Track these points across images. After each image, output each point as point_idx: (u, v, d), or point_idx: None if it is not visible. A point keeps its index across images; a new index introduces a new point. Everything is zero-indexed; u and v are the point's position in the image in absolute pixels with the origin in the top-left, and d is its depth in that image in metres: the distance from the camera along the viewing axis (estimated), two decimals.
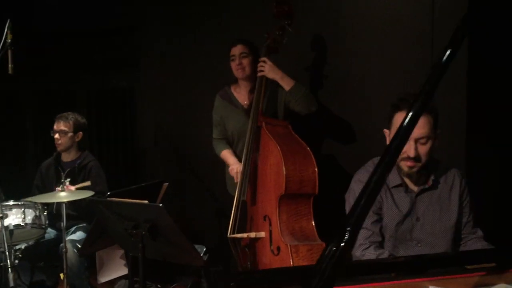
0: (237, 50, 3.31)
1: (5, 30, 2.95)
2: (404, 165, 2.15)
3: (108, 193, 3.28)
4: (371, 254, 2.14)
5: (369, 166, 2.32)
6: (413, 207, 2.22)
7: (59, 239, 3.59)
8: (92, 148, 4.48)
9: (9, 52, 3.03)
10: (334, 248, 0.91)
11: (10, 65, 3.04)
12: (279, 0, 3.15)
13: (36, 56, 4.51)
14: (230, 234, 3.07)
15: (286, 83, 3.16)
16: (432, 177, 2.23)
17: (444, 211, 2.23)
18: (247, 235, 3.03)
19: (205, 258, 3.11)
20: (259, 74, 3.18)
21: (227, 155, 3.40)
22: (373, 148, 2.97)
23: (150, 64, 4.47)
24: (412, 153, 2.09)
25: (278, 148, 2.91)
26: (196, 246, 2.60)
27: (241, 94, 3.42)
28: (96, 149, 4.66)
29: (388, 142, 2.24)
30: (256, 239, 3.06)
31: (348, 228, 0.91)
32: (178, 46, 4.30)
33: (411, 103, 1.07)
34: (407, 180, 2.24)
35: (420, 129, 2.08)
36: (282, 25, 3.15)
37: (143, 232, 2.52)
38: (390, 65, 3.30)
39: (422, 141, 2.10)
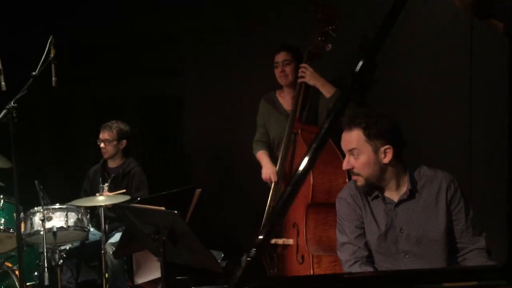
0: (280, 57, 3.36)
1: (47, 46, 3.16)
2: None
3: (138, 198, 3.48)
4: (355, 269, 2.14)
5: (349, 183, 2.36)
6: (394, 218, 2.18)
7: (99, 241, 3.81)
8: (140, 154, 4.69)
9: (53, 66, 3.25)
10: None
11: (54, 79, 3.26)
12: (322, 4, 3.14)
13: (89, 66, 4.80)
14: None
15: (327, 90, 3.17)
16: (408, 186, 2.18)
17: (430, 219, 2.15)
18: (275, 241, 3.07)
19: (223, 264, 3.17)
20: (300, 80, 3.22)
21: (262, 156, 3.44)
22: (414, 157, 2.91)
23: (196, 73, 4.61)
24: (344, 166, 2.22)
25: None
26: (215, 253, 2.67)
27: (285, 100, 3.46)
28: (144, 155, 4.87)
29: None
30: (285, 246, 3.09)
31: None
32: (222, 54, 4.40)
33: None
34: (387, 191, 2.22)
35: (347, 142, 2.20)
36: (325, 30, 3.14)
37: (164, 238, 2.63)
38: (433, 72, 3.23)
39: (354, 152, 2.17)
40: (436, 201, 2.16)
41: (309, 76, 3.15)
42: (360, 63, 1.08)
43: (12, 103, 2.73)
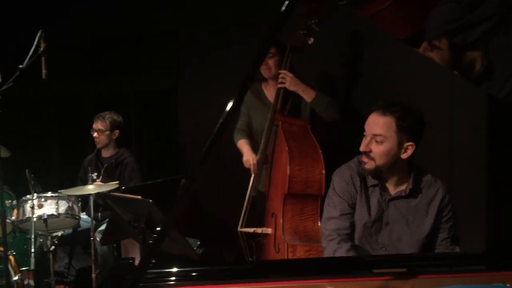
0: None
1: (37, 39, 3.27)
2: (362, 159, 2.23)
3: (123, 187, 3.60)
4: (332, 246, 2.19)
5: (352, 163, 2.35)
6: (385, 210, 2.24)
7: (95, 228, 3.94)
8: (137, 146, 4.83)
9: (43, 59, 3.36)
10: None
11: (44, 71, 3.38)
12: None
13: (90, 62, 4.94)
14: (239, 228, 3.21)
15: (308, 96, 3.23)
16: (410, 185, 2.23)
17: (417, 222, 2.21)
18: (254, 230, 3.17)
19: (200, 251, 3.28)
20: (279, 86, 3.25)
21: (243, 144, 3.54)
22: None
23: (192, 67, 4.71)
24: (362, 147, 2.19)
25: (286, 148, 3.00)
26: (191, 240, 2.78)
27: (269, 92, 3.52)
28: (141, 147, 5.00)
29: None
30: (264, 235, 3.18)
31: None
32: (216, 49, 4.48)
33: None
34: (388, 183, 2.26)
35: (375, 125, 2.17)
36: (308, 24, 3.18)
37: (142, 225, 2.75)
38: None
39: (378, 139, 2.16)
40: (428, 206, 2.23)
41: (289, 82, 3.20)
42: None
43: None
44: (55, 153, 5.20)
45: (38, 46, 3.34)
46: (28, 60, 3.24)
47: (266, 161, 3.34)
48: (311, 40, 3.21)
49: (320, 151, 3.03)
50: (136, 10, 4.71)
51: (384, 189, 2.25)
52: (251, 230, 3.17)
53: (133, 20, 4.75)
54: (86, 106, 5.23)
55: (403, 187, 2.24)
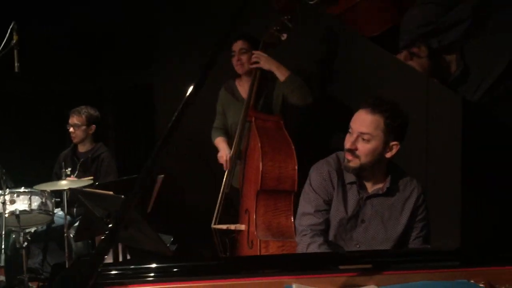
0: (237, 46, 3.41)
1: (9, 32, 3.21)
2: (345, 157, 2.18)
3: (97, 183, 3.55)
4: (305, 241, 2.17)
5: (331, 158, 2.32)
6: (361, 208, 2.22)
7: (70, 224, 3.88)
8: (111, 140, 4.77)
9: (15, 52, 3.30)
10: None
11: (16, 64, 3.32)
12: None
13: (66, 57, 4.85)
14: (212, 224, 3.19)
15: (282, 73, 3.22)
16: (387, 184, 2.21)
17: (392, 220, 2.21)
18: (227, 227, 3.15)
19: (173, 248, 3.26)
20: (254, 65, 3.26)
21: (219, 142, 3.52)
22: None
23: (167, 62, 4.67)
24: (348, 145, 2.13)
25: (259, 144, 2.99)
26: (164, 237, 2.75)
27: (243, 88, 3.50)
28: (118, 142, 4.95)
29: None
30: (238, 232, 3.17)
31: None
32: (193, 43, 4.44)
33: None
34: (366, 181, 2.24)
35: (362, 124, 2.12)
36: (281, 20, 3.19)
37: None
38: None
39: (365, 137, 2.11)
40: (404, 205, 2.22)
41: (263, 60, 3.21)
42: None
43: None
44: (29, 148, 5.11)
45: (10, 38, 3.29)
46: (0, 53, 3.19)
47: (240, 157, 3.32)
48: (284, 36, 3.21)
49: (293, 146, 3.02)
50: (115, 8, 4.66)
51: (361, 187, 2.23)
52: (224, 226, 3.16)
53: (111, 17, 4.69)
54: (63, 100, 5.15)
55: (380, 185, 2.22)
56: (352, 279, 1.48)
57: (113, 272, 1.45)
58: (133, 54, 4.73)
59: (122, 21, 4.67)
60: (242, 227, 3.10)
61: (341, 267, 1.51)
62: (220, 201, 3.22)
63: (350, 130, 2.16)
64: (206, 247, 3.45)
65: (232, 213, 3.35)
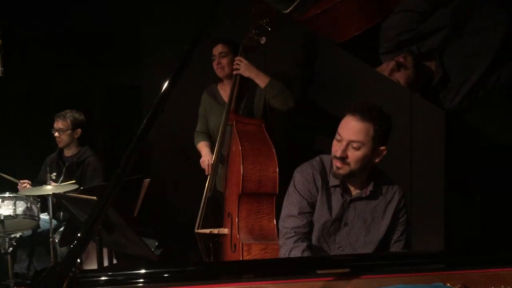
0: (216, 50, 3.42)
1: None
2: (334, 164, 2.17)
3: (81, 188, 3.53)
4: (289, 245, 2.16)
5: (315, 161, 2.31)
6: (344, 211, 2.22)
7: (56, 229, 3.86)
8: (100, 143, 4.75)
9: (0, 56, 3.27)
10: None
11: (0, 68, 3.29)
12: None
13: (51, 58, 4.83)
14: (196, 229, 3.19)
15: (261, 80, 3.23)
16: (370, 187, 2.22)
17: (375, 223, 2.22)
18: (210, 231, 3.15)
19: (158, 252, 3.25)
20: (234, 72, 3.28)
21: (202, 146, 3.53)
22: None
23: (154, 63, 4.65)
24: (338, 153, 2.11)
25: (240, 147, 2.99)
26: (149, 241, 2.74)
27: (225, 92, 3.51)
28: (105, 144, 4.93)
29: None
30: (221, 235, 3.16)
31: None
32: (179, 44, 4.43)
33: None
34: (348, 184, 2.24)
35: (352, 132, 2.09)
36: (259, 24, 3.19)
37: (99, 226, 2.69)
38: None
39: (354, 145, 2.09)
40: (386, 208, 2.23)
41: (243, 68, 3.22)
42: None
43: None
44: (15, 152, 5.09)
45: None
46: None
47: (222, 161, 3.32)
48: (263, 40, 3.22)
49: (273, 149, 3.02)
50: (98, 5, 4.64)
51: (345, 190, 2.23)
52: (207, 231, 3.16)
53: (96, 15, 4.68)
54: (49, 102, 5.13)
55: (364, 188, 2.23)
56: (330, 284, 1.48)
57: (90, 279, 1.44)
58: (121, 55, 4.71)
59: (110, 22, 4.65)
60: (225, 231, 3.10)
61: (319, 271, 1.51)
62: (203, 206, 3.22)
63: (338, 138, 2.13)
64: (191, 252, 3.45)
65: (215, 217, 3.36)
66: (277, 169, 2.96)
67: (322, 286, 1.47)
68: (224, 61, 3.39)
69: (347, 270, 1.51)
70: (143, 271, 1.48)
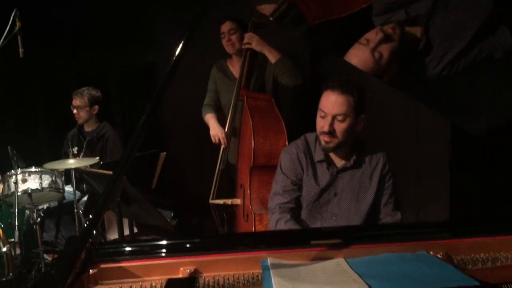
0: (225, 27, 3.50)
1: (11, 19, 3.31)
2: (322, 139, 2.30)
3: (101, 162, 3.71)
4: (274, 218, 2.34)
5: (299, 140, 2.46)
6: (332, 182, 2.37)
7: (80, 200, 4.06)
8: (116, 119, 4.91)
9: (19, 38, 3.41)
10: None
11: (21, 50, 3.43)
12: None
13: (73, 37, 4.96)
14: (210, 200, 3.35)
15: (273, 56, 3.33)
16: (354, 157, 2.36)
17: (363, 190, 2.36)
18: (224, 202, 3.30)
19: (174, 223, 3.42)
20: (246, 46, 3.37)
21: (209, 118, 3.64)
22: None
23: (170, 41, 4.73)
24: (326, 128, 2.24)
25: (251, 122, 3.10)
26: (165, 213, 2.90)
27: (235, 68, 3.61)
28: (123, 119, 5.09)
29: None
30: (234, 206, 3.32)
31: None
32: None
33: None
34: (333, 157, 2.38)
35: (335, 106, 2.23)
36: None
37: (118, 199, 2.87)
38: None
39: (339, 118, 2.23)
40: (371, 175, 2.38)
41: (255, 42, 3.32)
42: None
43: None
44: (40, 128, 5.28)
45: (13, 25, 3.39)
46: (4, 40, 3.30)
47: (235, 135, 3.45)
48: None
49: (283, 123, 3.14)
50: None
51: (330, 163, 2.38)
52: (221, 201, 3.31)
53: None
54: (70, 80, 5.28)
55: (348, 159, 2.37)
56: (322, 253, 1.61)
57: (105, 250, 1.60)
58: (135, 33, 4.81)
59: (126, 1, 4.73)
60: (238, 201, 3.25)
61: (312, 242, 1.64)
62: (217, 177, 3.36)
63: (322, 114, 2.26)
64: (207, 221, 3.61)
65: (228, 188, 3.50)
66: (287, 142, 3.08)
67: (315, 255, 1.61)
68: (234, 37, 3.48)
69: (338, 240, 1.64)
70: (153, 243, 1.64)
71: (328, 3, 2.12)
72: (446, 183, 3.36)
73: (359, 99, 2.25)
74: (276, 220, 2.32)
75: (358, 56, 2.16)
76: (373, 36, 2.16)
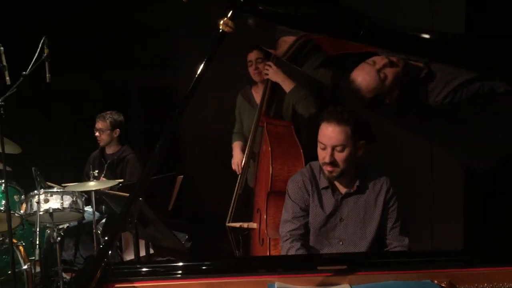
0: (253, 55, 3.61)
1: (40, 46, 3.46)
2: (325, 170, 2.38)
3: (120, 184, 3.80)
4: (286, 246, 2.41)
5: (305, 169, 2.56)
6: (338, 208, 2.43)
7: (99, 220, 4.16)
8: (137, 141, 5.03)
9: (47, 64, 3.56)
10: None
11: (48, 75, 3.58)
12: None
13: (93, 58, 5.12)
14: (227, 223, 3.41)
15: (286, 86, 3.41)
16: (357, 183, 2.42)
17: (368, 215, 2.42)
18: (240, 225, 3.36)
19: (188, 245, 3.48)
20: (265, 77, 3.46)
21: (235, 146, 3.77)
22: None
23: (190, 65, 4.86)
24: (327, 159, 2.32)
25: (269, 148, 3.18)
26: (180, 235, 2.97)
27: (259, 94, 3.68)
28: (143, 143, 5.21)
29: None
30: (250, 229, 3.37)
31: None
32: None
33: None
34: (337, 183, 2.45)
35: (334, 138, 2.31)
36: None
37: (135, 220, 2.95)
38: None
39: (338, 148, 2.32)
40: (376, 199, 2.43)
41: (271, 72, 3.40)
42: None
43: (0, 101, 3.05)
44: (63, 149, 5.44)
45: (41, 51, 3.54)
46: (32, 66, 3.44)
47: (254, 159, 3.52)
48: None
49: (301, 150, 3.20)
50: (139, 7, 4.87)
51: (334, 190, 2.45)
52: (237, 225, 3.37)
53: (136, 17, 4.92)
54: (94, 102, 5.44)
55: (351, 184, 2.43)
56: (328, 279, 1.66)
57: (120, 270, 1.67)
58: (158, 58, 4.96)
59: (148, 25, 4.88)
60: (254, 225, 3.31)
61: (319, 267, 1.69)
62: (234, 201, 3.43)
63: (322, 146, 2.34)
64: (221, 244, 3.66)
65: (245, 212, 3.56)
66: None
67: (321, 280, 1.66)
68: (261, 66, 3.57)
69: (344, 266, 1.69)
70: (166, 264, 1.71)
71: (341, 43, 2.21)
72: (460, 210, 3.38)
73: (356, 127, 2.32)
74: (287, 249, 2.40)
75: (364, 73, 2.25)
76: (379, 59, 2.25)
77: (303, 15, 1.56)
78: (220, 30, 1.61)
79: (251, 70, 3.62)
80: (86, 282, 1.38)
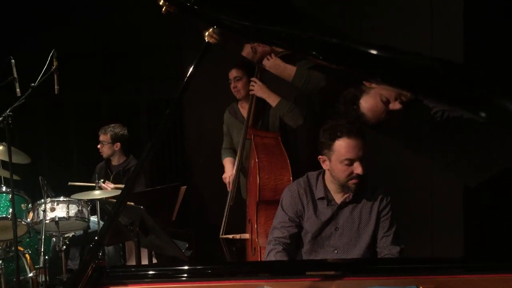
0: (231, 74, 3.62)
1: (49, 59, 3.55)
2: (352, 183, 2.39)
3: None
4: (268, 249, 2.45)
5: (301, 179, 2.58)
6: (334, 217, 2.46)
7: None
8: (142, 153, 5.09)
9: (55, 76, 3.65)
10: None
11: (56, 87, 3.66)
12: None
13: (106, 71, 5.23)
14: (220, 235, 3.44)
15: (272, 101, 3.42)
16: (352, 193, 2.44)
17: (363, 224, 2.44)
18: (233, 236, 3.39)
19: (188, 253, 3.51)
20: (251, 92, 3.48)
21: (226, 162, 3.77)
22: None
23: (196, 78, 4.94)
24: (360, 171, 2.35)
25: (257, 159, 3.21)
26: (180, 243, 3.01)
27: (245, 110, 3.68)
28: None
29: (324, 167, 2.48)
30: (243, 240, 3.40)
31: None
32: (220, 58, 4.69)
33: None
34: (333, 193, 2.48)
35: (358, 149, 2.35)
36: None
37: (137, 229, 2.99)
38: None
39: (361, 159, 2.36)
40: (371, 209, 2.46)
41: (256, 88, 3.42)
42: None
43: (8, 111, 3.12)
44: (71, 159, 5.52)
45: (50, 64, 3.63)
46: (40, 78, 3.53)
47: (244, 172, 3.56)
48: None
49: (288, 160, 3.22)
50: (148, 21, 4.96)
51: (330, 200, 2.47)
52: (230, 236, 3.40)
53: (144, 31, 5.01)
54: (102, 113, 5.53)
55: (347, 194, 2.45)
56: (316, 284, 1.68)
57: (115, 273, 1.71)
58: (165, 70, 5.04)
59: (156, 38, 4.97)
60: (247, 236, 3.34)
61: (308, 273, 1.72)
62: (226, 213, 3.46)
63: (347, 162, 2.35)
64: (218, 254, 3.69)
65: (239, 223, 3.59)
66: (291, 178, 3.16)
67: (309, 285, 1.68)
68: (239, 84, 3.58)
69: (332, 272, 1.71)
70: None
71: None
72: (460, 218, 3.39)
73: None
74: (268, 251, 2.43)
75: (373, 105, 2.33)
76: (389, 93, 2.32)
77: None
78: (206, 41, 1.66)
79: (231, 87, 3.63)
80: (77, 280, 1.42)
